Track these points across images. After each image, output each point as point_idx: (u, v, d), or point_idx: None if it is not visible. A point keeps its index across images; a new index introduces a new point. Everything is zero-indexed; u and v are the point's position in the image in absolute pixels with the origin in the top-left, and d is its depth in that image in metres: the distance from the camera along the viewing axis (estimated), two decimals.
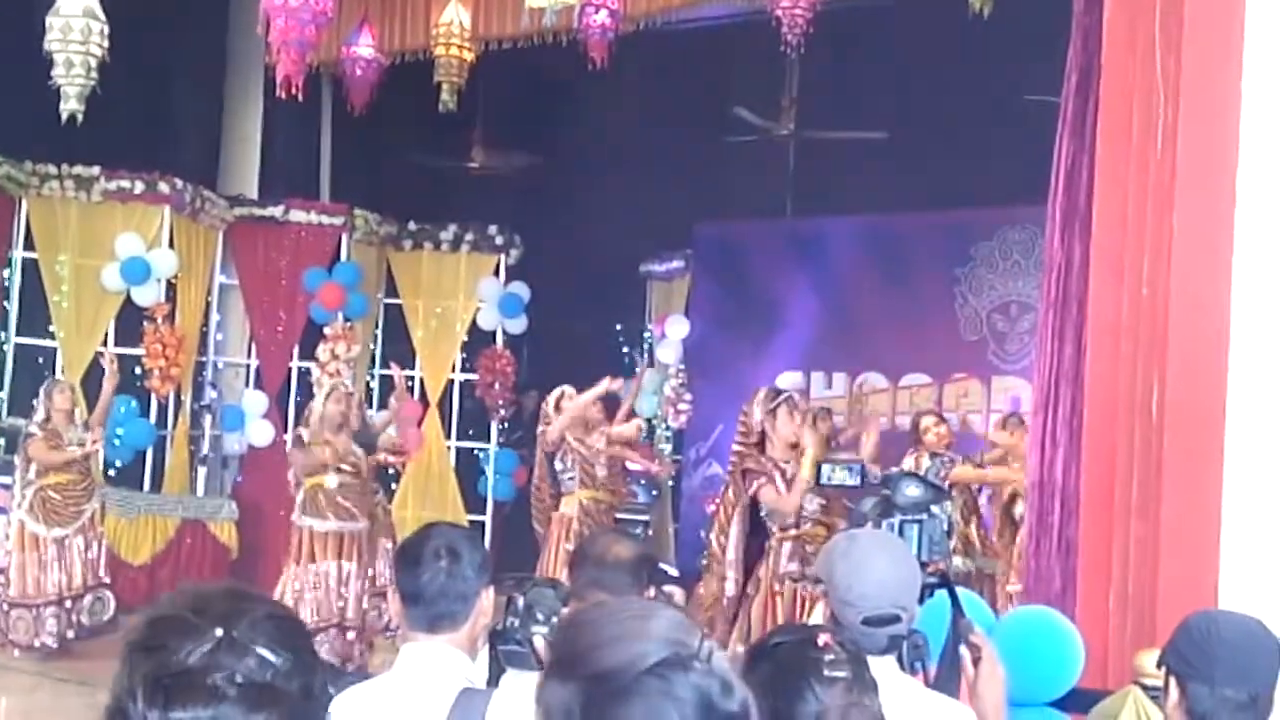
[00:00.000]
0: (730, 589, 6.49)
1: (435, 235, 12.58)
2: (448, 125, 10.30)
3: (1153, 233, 4.70)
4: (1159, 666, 2.60)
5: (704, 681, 1.25)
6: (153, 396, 10.66)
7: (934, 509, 3.19)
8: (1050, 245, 5.43)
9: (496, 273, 12.53)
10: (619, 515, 8.66)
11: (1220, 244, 4.47)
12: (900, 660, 2.56)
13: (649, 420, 12.38)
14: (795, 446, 6.43)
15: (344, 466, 8.08)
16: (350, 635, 8.09)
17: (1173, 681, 2.51)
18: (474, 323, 12.50)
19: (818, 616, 2.70)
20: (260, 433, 11.31)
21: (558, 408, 7.95)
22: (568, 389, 8.06)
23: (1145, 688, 3.91)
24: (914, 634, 2.60)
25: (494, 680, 2.57)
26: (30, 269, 10.51)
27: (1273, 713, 2.49)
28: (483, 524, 12.03)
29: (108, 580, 8.83)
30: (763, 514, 6.46)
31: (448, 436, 12.59)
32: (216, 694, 1.13)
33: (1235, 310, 4.45)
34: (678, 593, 3.40)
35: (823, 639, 2.04)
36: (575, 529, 7.68)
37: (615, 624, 1.29)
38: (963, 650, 2.61)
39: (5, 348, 10.49)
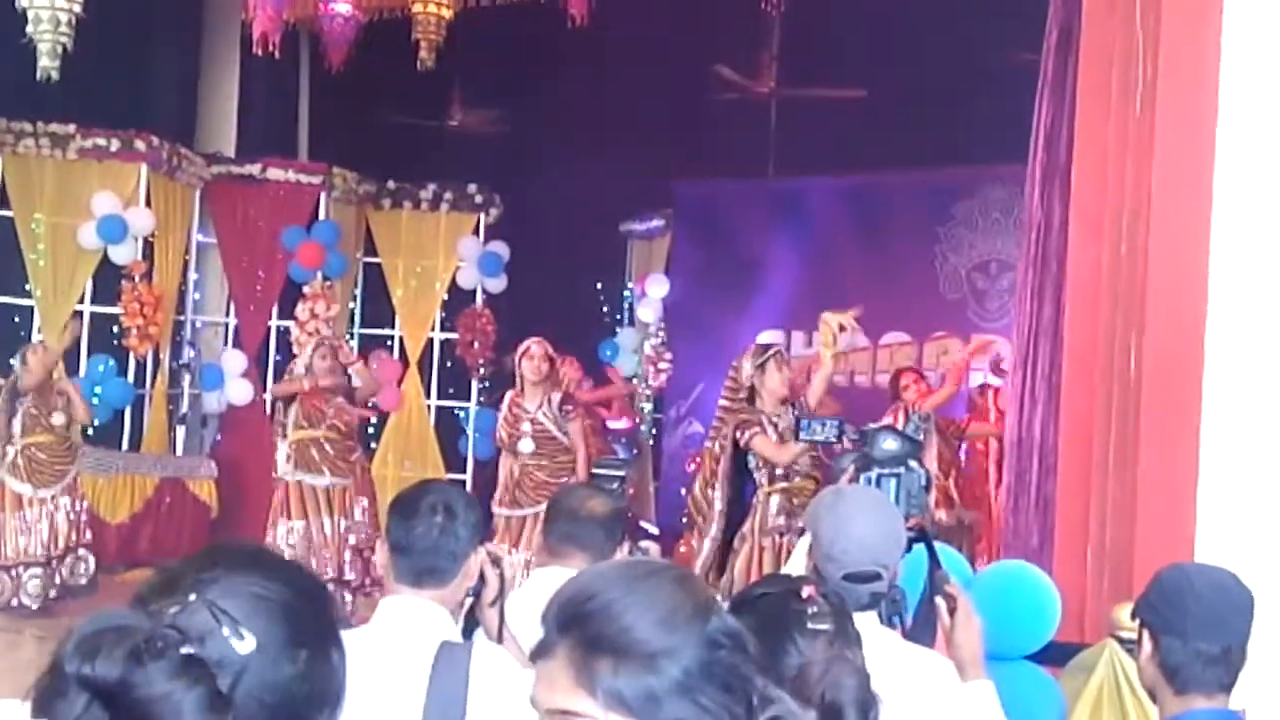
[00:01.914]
0: (714, 532, 6.51)
1: (414, 194, 12.51)
2: (426, 83, 10.23)
3: (1132, 191, 4.72)
4: (1133, 619, 2.61)
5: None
6: (131, 355, 10.61)
7: (912, 463, 3.22)
8: (1030, 204, 5.45)
9: (476, 232, 12.47)
10: (596, 471, 8.58)
11: (1199, 202, 4.49)
12: (879, 615, 2.59)
13: (629, 379, 12.41)
14: (785, 401, 6.45)
15: (337, 423, 8.16)
16: (347, 594, 8.19)
17: (1146, 634, 2.49)
18: (454, 282, 12.46)
19: (793, 563, 2.71)
20: (239, 391, 11.28)
21: (526, 355, 7.72)
22: (533, 343, 7.77)
23: (1122, 641, 3.97)
24: (892, 589, 2.62)
25: (467, 638, 2.60)
26: (6, 227, 10.40)
27: (1245, 666, 2.51)
28: (463, 483, 12.04)
29: (89, 540, 8.82)
30: (751, 465, 6.47)
31: (428, 395, 12.58)
32: (134, 657, 1.03)
33: (1213, 268, 4.47)
34: (654, 548, 3.41)
35: (806, 591, 2.01)
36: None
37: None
38: (938, 601, 2.63)
39: None
